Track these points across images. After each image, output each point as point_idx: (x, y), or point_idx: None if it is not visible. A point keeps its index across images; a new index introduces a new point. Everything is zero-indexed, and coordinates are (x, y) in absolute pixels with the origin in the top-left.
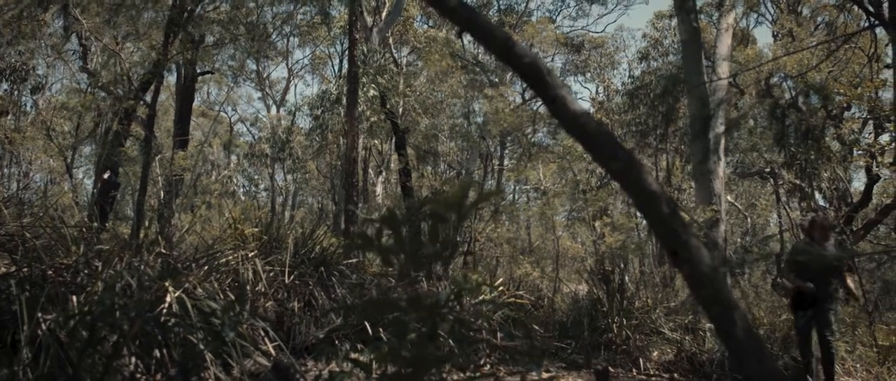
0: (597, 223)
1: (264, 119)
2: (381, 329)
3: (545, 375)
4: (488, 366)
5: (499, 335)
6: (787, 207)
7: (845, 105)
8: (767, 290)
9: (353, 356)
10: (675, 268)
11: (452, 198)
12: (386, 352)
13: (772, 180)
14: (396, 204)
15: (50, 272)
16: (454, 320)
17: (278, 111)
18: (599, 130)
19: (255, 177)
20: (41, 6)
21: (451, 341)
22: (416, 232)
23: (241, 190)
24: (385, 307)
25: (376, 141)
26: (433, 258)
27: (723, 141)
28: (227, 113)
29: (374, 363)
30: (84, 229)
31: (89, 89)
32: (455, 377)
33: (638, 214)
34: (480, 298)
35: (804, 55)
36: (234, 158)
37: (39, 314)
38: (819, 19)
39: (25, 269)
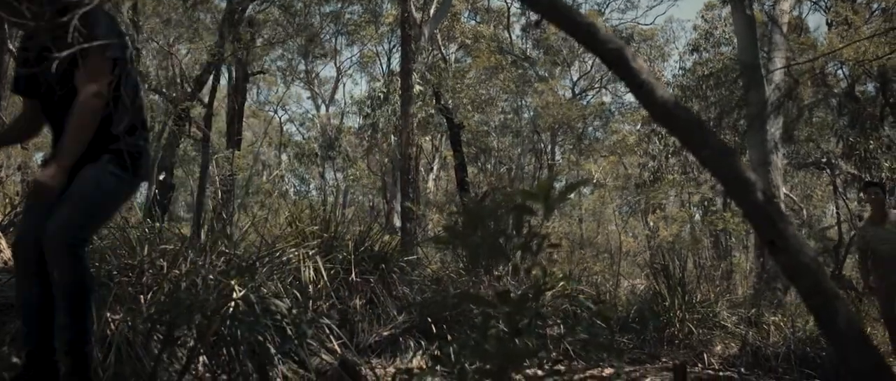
0: (650, 217)
1: (313, 119)
2: (444, 326)
3: (626, 368)
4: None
5: (570, 329)
6: (844, 197)
7: None
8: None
9: (435, 353)
10: (772, 257)
11: (541, 188)
12: (471, 348)
13: (828, 171)
14: (451, 199)
15: (115, 273)
16: (533, 315)
17: (328, 110)
18: (689, 117)
19: (306, 176)
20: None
21: (528, 337)
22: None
23: (292, 190)
24: (472, 302)
25: (427, 137)
26: (520, 251)
27: (779, 132)
28: (276, 114)
29: (452, 359)
30: (146, 230)
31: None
32: (530, 373)
33: (692, 206)
34: (551, 293)
35: (862, 42)
36: (284, 157)
37: (108, 314)
38: (874, 6)
39: (92, 270)
